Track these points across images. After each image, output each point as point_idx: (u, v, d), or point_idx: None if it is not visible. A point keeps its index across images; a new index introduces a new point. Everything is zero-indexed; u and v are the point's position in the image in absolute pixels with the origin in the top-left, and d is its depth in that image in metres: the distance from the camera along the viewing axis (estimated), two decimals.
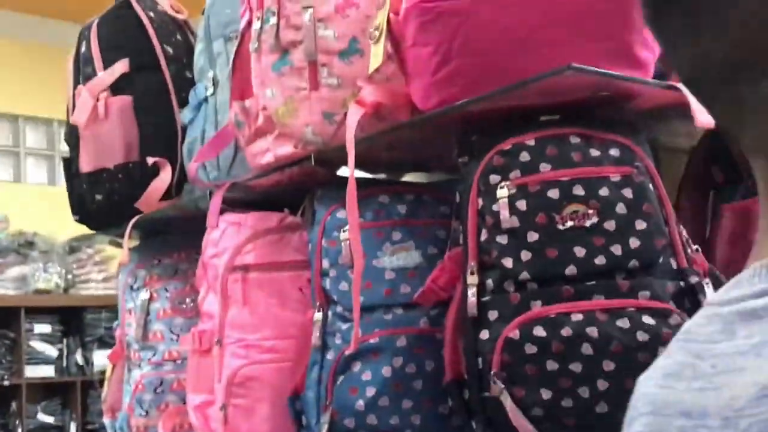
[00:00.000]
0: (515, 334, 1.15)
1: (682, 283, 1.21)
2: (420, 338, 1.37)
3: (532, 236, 1.18)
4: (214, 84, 1.69)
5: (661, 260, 1.20)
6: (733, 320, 0.55)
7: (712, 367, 0.55)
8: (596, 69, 1.16)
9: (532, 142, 1.22)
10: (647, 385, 0.61)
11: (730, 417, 0.53)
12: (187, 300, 1.71)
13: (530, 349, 1.14)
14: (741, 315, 0.57)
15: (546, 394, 1.13)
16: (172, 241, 1.87)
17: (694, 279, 1.22)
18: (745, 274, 0.62)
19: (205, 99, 1.69)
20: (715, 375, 0.54)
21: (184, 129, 1.78)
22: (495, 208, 1.20)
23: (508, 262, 1.18)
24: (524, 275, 1.18)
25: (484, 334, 1.18)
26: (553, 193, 1.19)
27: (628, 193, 1.20)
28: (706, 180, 1.56)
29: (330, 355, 1.38)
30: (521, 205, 1.19)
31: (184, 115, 1.78)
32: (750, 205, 1.48)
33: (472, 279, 1.20)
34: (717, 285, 1.21)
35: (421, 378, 1.35)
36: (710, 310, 0.61)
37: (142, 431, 1.67)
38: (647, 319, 1.14)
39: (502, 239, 1.19)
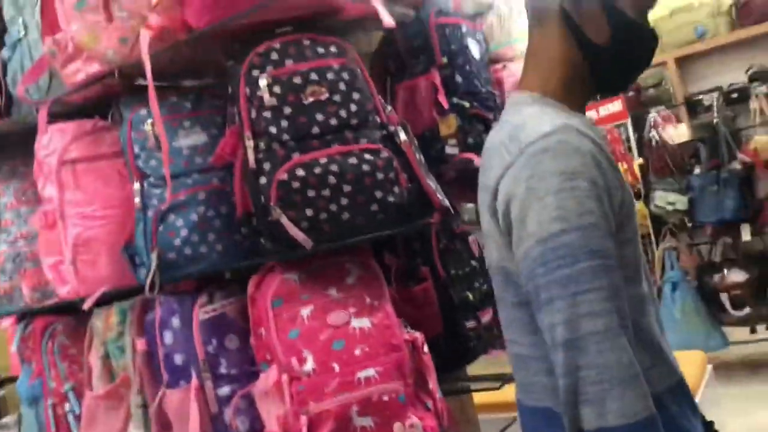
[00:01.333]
0: (284, 176, 1.36)
1: (385, 132, 1.49)
2: (213, 192, 1.54)
3: (287, 110, 1.39)
4: (24, 28, 1.72)
5: (371, 118, 1.46)
6: None
7: None
8: None
9: (278, 45, 1.42)
10: None
11: None
12: (28, 192, 1.76)
13: (295, 184, 1.36)
14: None
15: (309, 212, 1.37)
16: (8, 151, 1.88)
17: (392, 128, 1.50)
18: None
19: (19, 40, 1.72)
20: None
21: (5, 64, 1.81)
22: (259, 93, 1.39)
23: (273, 129, 1.39)
24: (285, 137, 1.39)
25: (263, 180, 1.38)
26: (297, 80, 1.40)
27: (345, 76, 1.44)
28: (384, 69, 1.83)
29: (150, 213, 1.52)
30: (277, 89, 1.39)
31: (3, 54, 1.82)
32: (414, 83, 1.79)
33: (249, 143, 1.39)
34: (405, 129, 1.52)
35: (218, 218, 1.53)
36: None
37: (9, 291, 1.74)
38: (368, 156, 1.41)
39: (267, 114, 1.39)
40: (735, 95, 4.62)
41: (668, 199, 4.31)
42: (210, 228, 1.53)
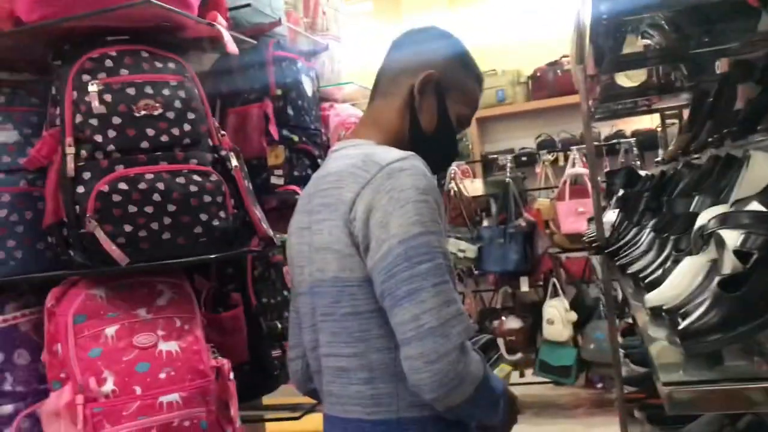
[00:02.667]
0: (105, 187, 1.31)
1: (216, 155, 1.50)
2: (20, 195, 1.44)
3: (116, 120, 1.34)
4: None
5: (203, 140, 1.46)
6: None
7: None
8: (164, 4, 1.34)
9: (114, 53, 1.38)
10: None
11: None
12: None
13: (116, 197, 1.32)
14: None
15: (128, 228, 1.33)
16: None
17: (223, 153, 1.51)
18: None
19: None
20: None
21: None
22: (87, 99, 1.33)
23: (98, 138, 1.33)
24: (110, 147, 1.34)
25: (80, 189, 1.32)
26: (131, 91, 1.36)
27: (182, 94, 1.43)
28: (216, 91, 1.81)
29: None
30: (107, 98, 1.34)
31: None
32: (246, 109, 1.81)
33: (70, 150, 1.33)
34: (237, 155, 1.53)
35: (22, 224, 1.43)
36: None
37: None
38: (196, 177, 1.40)
39: (93, 121, 1.33)
40: (525, 158, 5.11)
41: (460, 247, 4.61)
42: (11, 233, 1.42)
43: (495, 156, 5.14)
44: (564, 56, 4.94)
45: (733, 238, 0.83)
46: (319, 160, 1.87)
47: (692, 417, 1.99)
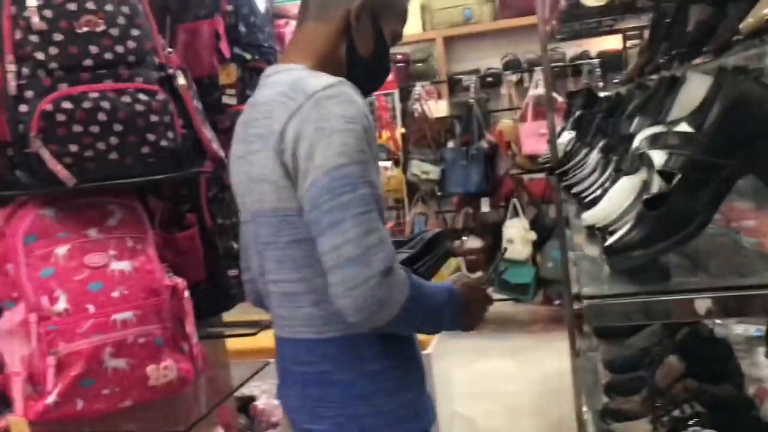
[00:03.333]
0: (48, 107, 1.29)
1: (162, 73, 1.47)
2: None
3: (57, 37, 1.31)
4: None
5: (148, 58, 1.43)
6: None
7: None
8: None
9: None
10: None
11: None
12: None
13: (60, 117, 1.30)
14: None
15: (74, 148, 1.31)
16: None
17: (170, 71, 1.48)
18: None
19: None
20: None
21: None
22: (26, 14, 1.29)
23: (40, 56, 1.30)
24: (53, 65, 1.31)
25: (23, 108, 1.30)
26: (72, 6, 1.32)
27: (125, 10, 1.38)
28: (164, 7, 1.77)
29: None
30: (47, 13, 1.30)
31: None
32: (196, 26, 1.77)
33: (11, 67, 1.29)
34: (185, 73, 1.51)
35: None
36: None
37: None
38: (142, 96, 1.38)
39: (34, 38, 1.30)
40: (490, 79, 5.08)
41: (423, 168, 4.65)
42: None
43: (460, 76, 5.10)
44: None
45: (659, 157, 0.86)
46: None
47: (636, 330, 2.08)
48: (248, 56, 1.80)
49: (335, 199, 1.11)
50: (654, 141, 0.89)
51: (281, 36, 2.17)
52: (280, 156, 1.17)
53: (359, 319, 1.13)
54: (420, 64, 5.18)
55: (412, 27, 5.23)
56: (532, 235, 4.23)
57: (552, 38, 3.06)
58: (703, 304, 0.73)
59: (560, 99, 4.01)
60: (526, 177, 4.58)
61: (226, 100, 1.75)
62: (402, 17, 1.34)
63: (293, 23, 2.26)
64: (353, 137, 1.13)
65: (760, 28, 0.94)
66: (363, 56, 1.29)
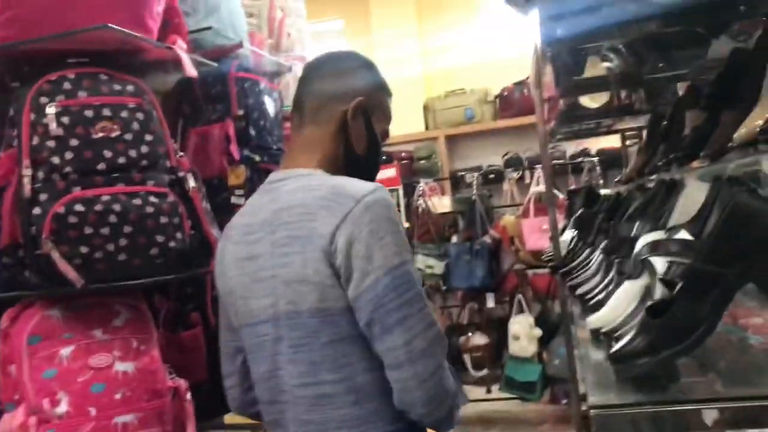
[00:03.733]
0: (61, 209, 1.32)
1: (173, 176, 1.51)
2: None
3: (73, 142, 1.36)
4: None
5: (160, 161, 1.48)
6: None
7: None
8: (122, 29, 1.37)
9: (72, 76, 1.39)
10: None
11: None
12: None
13: (72, 219, 1.33)
14: None
15: (84, 249, 1.34)
16: None
17: (181, 174, 1.53)
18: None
19: None
20: None
21: None
22: (44, 121, 1.35)
23: (55, 160, 1.34)
24: (67, 169, 1.35)
25: (37, 210, 1.33)
26: (89, 113, 1.38)
27: (140, 116, 1.44)
28: (177, 111, 1.86)
29: None
30: (65, 120, 1.36)
31: None
32: (206, 130, 1.84)
33: (27, 171, 1.34)
34: (195, 176, 1.55)
35: None
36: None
37: None
38: (153, 199, 1.41)
39: (51, 143, 1.34)
40: (492, 176, 5.17)
41: (428, 263, 4.65)
42: None
43: (463, 173, 5.19)
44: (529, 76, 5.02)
45: (661, 265, 0.87)
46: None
47: None
48: (257, 158, 1.85)
49: (401, 297, 1.16)
50: (655, 248, 0.91)
51: (290, 138, 2.23)
52: (329, 257, 1.18)
53: (427, 411, 1.17)
54: (423, 162, 5.28)
55: (416, 126, 5.36)
56: (538, 332, 4.18)
57: (551, 137, 3.13)
58: (711, 414, 0.72)
59: (561, 196, 4.06)
60: (530, 272, 4.57)
61: (234, 200, 1.79)
62: (388, 116, 1.41)
63: None
64: (401, 237, 1.20)
65: (752, 138, 0.98)
66: (358, 153, 1.35)
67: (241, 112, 1.84)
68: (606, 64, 2.60)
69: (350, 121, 1.33)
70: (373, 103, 1.36)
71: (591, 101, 3.11)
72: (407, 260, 1.19)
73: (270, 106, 1.93)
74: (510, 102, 5.24)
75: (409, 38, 5.75)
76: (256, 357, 1.29)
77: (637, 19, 1.98)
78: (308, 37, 2.51)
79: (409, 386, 1.15)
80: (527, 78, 5.16)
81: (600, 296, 1.22)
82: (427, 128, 5.34)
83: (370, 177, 1.38)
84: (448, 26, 5.82)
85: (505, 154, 5.21)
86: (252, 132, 1.85)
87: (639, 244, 1.02)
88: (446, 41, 5.73)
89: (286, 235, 1.23)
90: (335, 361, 1.21)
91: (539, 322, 4.26)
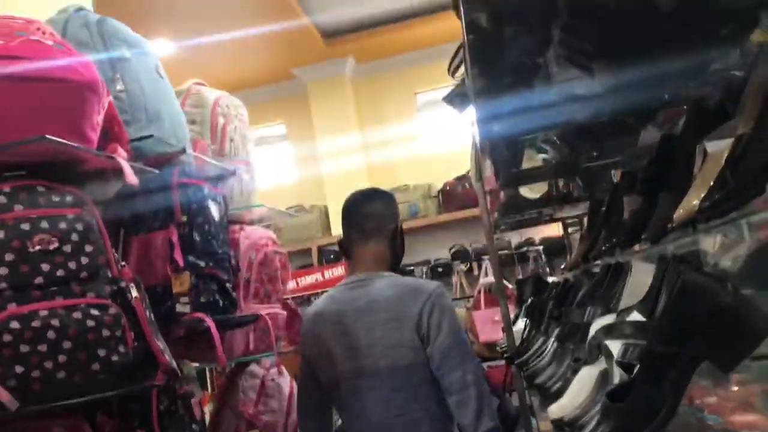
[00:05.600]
0: None
1: (115, 287, 1.46)
2: None
3: (9, 257, 1.29)
4: None
5: (101, 272, 1.43)
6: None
7: None
8: (60, 140, 1.35)
9: (8, 189, 1.35)
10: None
11: None
12: None
13: (6, 337, 1.25)
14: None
15: (19, 369, 1.25)
16: None
17: (123, 284, 1.48)
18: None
19: None
20: None
21: None
22: None
23: None
24: (2, 285, 1.28)
25: None
26: (25, 226, 1.33)
27: (79, 227, 1.40)
28: (118, 219, 1.80)
29: None
30: (0, 235, 1.32)
31: None
32: (149, 237, 1.80)
33: None
34: (138, 285, 1.50)
35: None
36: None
37: None
38: (93, 311, 1.35)
39: None
40: (440, 269, 5.20)
41: None
42: None
43: (412, 267, 5.21)
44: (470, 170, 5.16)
45: (617, 348, 0.86)
46: (227, 284, 1.85)
47: None
48: (202, 263, 1.81)
49: (460, 350, 1.86)
50: (609, 332, 0.90)
51: (235, 241, 2.20)
52: (418, 330, 1.84)
53: (476, 422, 1.81)
54: None
55: None
56: None
57: (496, 229, 3.18)
58: None
59: (510, 286, 4.09)
60: (485, 365, 4.53)
61: (179, 308, 1.74)
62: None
63: (248, 228, 2.32)
64: (456, 317, 1.90)
65: (691, 218, 1.00)
66: (399, 254, 2.07)
67: (184, 218, 1.81)
68: (542, 156, 2.69)
69: (398, 235, 2.05)
70: (399, 218, 2.12)
71: (531, 192, 3.19)
72: (463, 330, 1.93)
73: (214, 210, 1.92)
74: (453, 196, 5.35)
75: (351, 138, 5.88)
76: (354, 402, 1.91)
77: (567, 114, 2.07)
78: (251, 141, 2.53)
79: (463, 403, 1.77)
80: (468, 172, 5.31)
81: (558, 384, 1.20)
82: None
83: (400, 268, 2.12)
84: (389, 125, 5.99)
85: (452, 247, 5.27)
86: (196, 237, 1.82)
87: (592, 329, 1.02)
88: (386, 139, 5.87)
89: (385, 317, 1.86)
90: (423, 397, 1.85)
91: (498, 416, 4.18)
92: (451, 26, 2.61)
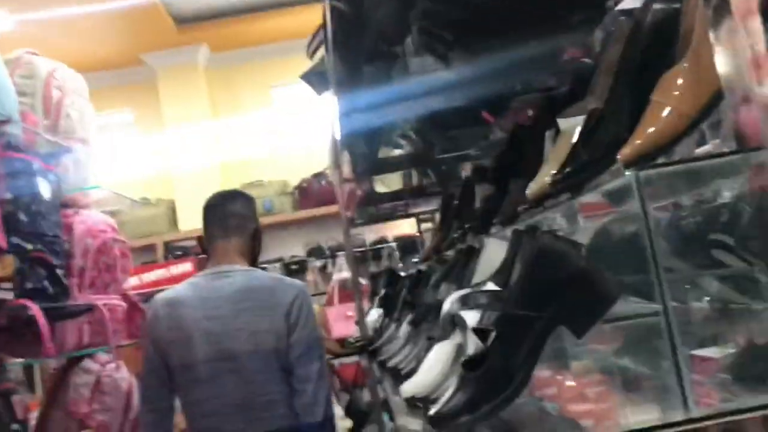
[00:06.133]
0: None
1: None
2: None
3: None
4: None
5: None
6: None
7: None
8: None
9: None
10: None
11: None
12: None
13: None
14: None
15: None
16: None
17: None
18: None
19: None
20: None
21: None
22: None
23: None
24: None
25: None
26: None
27: None
28: None
29: None
30: None
31: None
32: None
33: None
34: None
35: None
36: None
37: None
38: None
39: None
40: (295, 266, 5.13)
41: None
42: None
43: (265, 265, 5.09)
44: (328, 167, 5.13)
45: (472, 317, 0.85)
46: (57, 270, 1.69)
47: None
48: (30, 246, 1.64)
49: (319, 345, 2.04)
50: (464, 302, 0.89)
51: (69, 225, 2.02)
52: (287, 318, 1.97)
53: (313, 410, 1.97)
54: None
55: None
56: (348, 423, 4.09)
57: (353, 224, 3.17)
58: None
59: (364, 282, 4.09)
60: (336, 362, 4.51)
61: (1, 294, 1.56)
62: None
63: (83, 213, 2.14)
64: (314, 313, 2.11)
65: (544, 193, 1.01)
66: (257, 253, 2.19)
67: (9, 196, 1.63)
68: (398, 151, 2.71)
69: (257, 234, 2.16)
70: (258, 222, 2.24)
71: (385, 187, 3.21)
72: (317, 326, 2.07)
73: (44, 189, 1.75)
74: (309, 193, 5.30)
75: (204, 130, 5.66)
76: (212, 384, 1.96)
77: (424, 105, 2.08)
78: (92, 120, 2.34)
79: (308, 393, 1.94)
80: (325, 169, 5.26)
81: (412, 365, 1.19)
82: None
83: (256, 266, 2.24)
84: (244, 118, 5.83)
85: (307, 244, 5.21)
86: (23, 217, 1.65)
87: (446, 303, 1.00)
88: (241, 132, 5.72)
89: (254, 305, 1.98)
90: (280, 380, 1.97)
91: (349, 412, 4.18)
92: (310, 20, 2.56)
